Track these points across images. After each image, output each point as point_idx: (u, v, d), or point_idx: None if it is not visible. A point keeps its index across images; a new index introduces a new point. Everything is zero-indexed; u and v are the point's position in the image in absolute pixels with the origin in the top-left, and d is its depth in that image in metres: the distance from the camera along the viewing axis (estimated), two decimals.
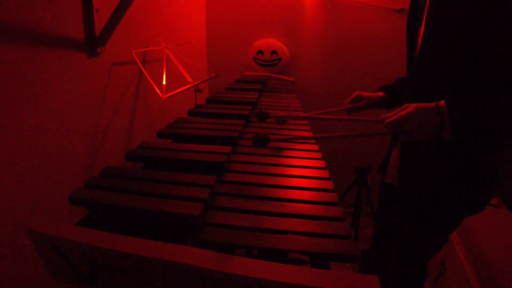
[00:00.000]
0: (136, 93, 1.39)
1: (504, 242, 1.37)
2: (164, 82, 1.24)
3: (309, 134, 1.19)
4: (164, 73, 1.27)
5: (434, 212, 0.94)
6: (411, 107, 0.76)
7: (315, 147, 1.10)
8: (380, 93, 1.24)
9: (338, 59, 2.38)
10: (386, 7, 2.20)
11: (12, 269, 0.80)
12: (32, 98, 0.83)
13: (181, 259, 0.49)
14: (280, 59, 2.33)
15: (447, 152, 0.87)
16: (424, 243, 1.01)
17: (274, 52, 2.31)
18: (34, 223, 0.56)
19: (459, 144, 0.82)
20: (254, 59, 2.35)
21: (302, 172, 0.93)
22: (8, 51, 0.76)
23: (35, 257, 0.74)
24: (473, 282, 1.37)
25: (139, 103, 1.41)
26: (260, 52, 2.32)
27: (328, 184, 0.87)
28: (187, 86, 1.36)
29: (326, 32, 2.33)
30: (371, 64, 2.34)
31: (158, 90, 1.20)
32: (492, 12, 0.72)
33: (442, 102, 0.74)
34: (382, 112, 1.32)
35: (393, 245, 1.10)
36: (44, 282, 0.88)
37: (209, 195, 0.75)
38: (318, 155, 1.04)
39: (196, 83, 1.45)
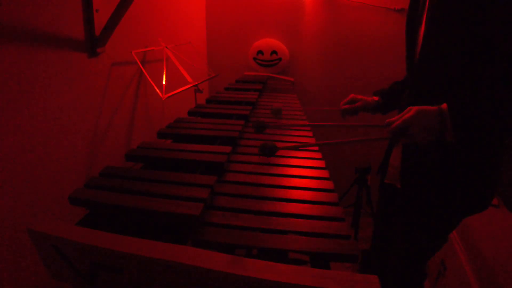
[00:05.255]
0: (136, 93, 1.39)
1: (504, 242, 1.37)
2: (164, 82, 1.24)
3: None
4: (164, 73, 1.27)
5: (436, 211, 0.94)
6: (414, 110, 0.76)
7: (315, 147, 1.10)
8: (375, 98, 1.23)
9: (338, 59, 2.38)
10: (386, 7, 2.20)
11: (12, 269, 0.80)
12: (32, 98, 0.83)
13: (181, 259, 0.49)
14: (280, 59, 2.33)
15: (449, 151, 0.87)
16: (424, 242, 1.01)
17: (274, 52, 2.31)
18: (34, 223, 0.56)
19: (461, 144, 0.82)
20: (254, 59, 2.35)
21: (302, 172, 0.93)
22: (8, 51, 0.76)
23: (35, 257, 0.74)
24: (473, 282, 1.37)
25: (139, 103, 1.41)
26: (260, 52, 2.32)
27: (328, 184, 0.87)
28: (187, 86, 1.36)
29: (326, 32, 2.33)
30: (371, 64, 2.34)
31: (158, 90, 1.20)
32: (493, 11, 0.72)
33: (444, 105, 0.74)
34: (377, 116, 1.31)
35: (393, 245, 1.10)
36: (44, 282, 0.88)
37: (209, 195, 0.75)
38: (318, 155, 1.04)
39: (196, 83, 1.45)
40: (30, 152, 0.83)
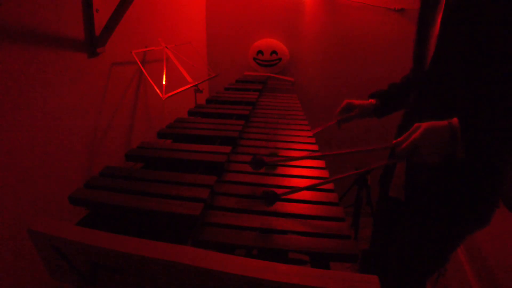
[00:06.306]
0: (136, 93, 1.38)
1: (504, 242, 1.37)
2: (164, 82, 1.24)
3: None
4: (164, 73, 1.27)
5: (439, 226, 0.90)
6: (423, 128, 0.71)
7: (315, 147, 1.10)
8: (372, 101, 1.16)
9: (338, 59, 2.38)
10: (386, 7, 2.20)
11: (12, 269, 0.80)
12: (32, 98, 0.83)
13: (181, 259, 0.49)
14: (280, 59, 2.33)
15: (455, 164, 0.79)
16: (425, 260, 0.95)
17: (274, 52, 2.31)
18: (34, 223, 0.56)
19: (468, 158, 0.75)
20: (254, 59, 2.35)
21: (302, 172, 0.93)
22: (8, 51, 0.76)
23: (35, 257, 0.74)
24: (473, 282, 1.37)
25: (139, 103, 1.41)
26: (260, 52, 2.32)
27: (328, 184, 0.87)
28: (187, 86, 1.36)
29: (326, 32, 2.33)
30: (371, 64, 2.35)
31: (158, 90, 1.20)
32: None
33: (455, 120, 0.70)
34: (374, 121, 1.24)
35: (393, 261, 1.03)
36: (44, 282, 0.88)
37: (209, 195, 0.75)
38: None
39: (196, 83, 1.45)
40: (30, 152, 0.83)
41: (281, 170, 0.94)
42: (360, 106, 1.15)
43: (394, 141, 0.76)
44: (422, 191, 0.91)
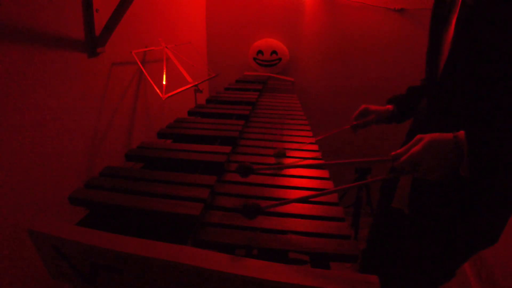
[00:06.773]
0: (136, 93, 1.39)
1: (504, 242, 1.37)
2: (164, 82, 1.24)
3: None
4: (164, 73, 1.27)
5: (446, 244, 0.86)
6: (425, 141, 0.65)
7: (315, 147, 1.10)
8: (390, 107, 1.09)
9: (338, 59, 2.38)
10: (386, 7, 2.20)
11: (12, 269, 0.80)
12: (32, 98, 0.83)
13: (181, 259, 0.49)
14: (280, 59, 2.33)
15: (463, 181, 0.72)
16: (430, 275, 0.91)
17: (274, 52, 2.31)
18: (34, 223, 0.56)
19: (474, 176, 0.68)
20: (254, 59, 2.35)
21: (302, 172, 0.93)
22: (8, 51, 0.76)
23: (35, 257, 0.74)
24: (473, 282, 1.37)
25: (139, 103, 1.41)
26: (260, 52, 2.32)
27: (328, 184, 0.87)
28: (187, 86, 1.36)
29: (326, 32, 2.33)
30: (371, 64, 2.35)
31: (158, 90, 1.20)
32: None
33: (461, 133, 0.64)
34: (390, 127, 1.15)
35: (394, 276, 0.99)
36: (44, 282, 0.88)
37: (209, 195, 0.75)
38: (318, 155, 1.04)
39: (196, 83, 1.45)
40: (30, 152, 0.83)
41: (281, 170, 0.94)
42: (377, 112, 1.09)
43: (392, 153, 0.69)
44: (428, 205, 0.86)
